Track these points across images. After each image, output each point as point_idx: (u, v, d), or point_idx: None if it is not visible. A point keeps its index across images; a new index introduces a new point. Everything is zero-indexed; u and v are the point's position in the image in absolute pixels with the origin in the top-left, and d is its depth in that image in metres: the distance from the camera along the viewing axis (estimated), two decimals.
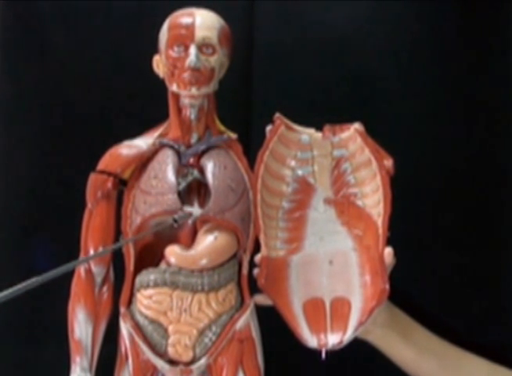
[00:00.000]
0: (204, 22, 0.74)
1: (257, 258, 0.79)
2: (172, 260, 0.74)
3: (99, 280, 0.77)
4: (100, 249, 0.76)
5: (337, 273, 0.78)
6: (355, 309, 0.75)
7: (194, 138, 0.77)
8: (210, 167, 0.76)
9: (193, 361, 0.74)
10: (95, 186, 0.76)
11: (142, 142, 0.78)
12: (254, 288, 0.78)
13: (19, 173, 1.04)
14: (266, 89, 1.02)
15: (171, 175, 0.75)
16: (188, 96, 0.75)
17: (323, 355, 0.74)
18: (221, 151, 0.78)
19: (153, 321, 0.73)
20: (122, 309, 0.75)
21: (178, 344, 0.73)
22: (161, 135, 0.78)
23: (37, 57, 1.03)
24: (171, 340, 0.73)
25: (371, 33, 1.01)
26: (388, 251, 0.76)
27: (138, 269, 0.76)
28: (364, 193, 0.79)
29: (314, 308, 0.77)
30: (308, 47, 1.01)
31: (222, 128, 0.79)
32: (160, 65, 0.76)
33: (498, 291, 1.01)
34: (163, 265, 0.75)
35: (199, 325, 0.73)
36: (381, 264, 0.75)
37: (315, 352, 0.74)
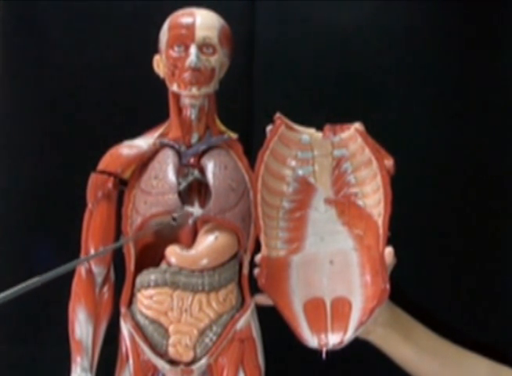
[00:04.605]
0: (205, 22, 0.74)
1: (258, 258, 0.79)
2: (173, 260, 0.74)
3: (99, 280, 0.77)
4: (101, 249, 0.76)
5: (337, 273, 0.78)
6: (355, 308, 0.75)
7: (194, 138, 0.77)
8: (210, 167, 0.76)
9: (194, 361, 0.74)
10: (96, 186, 0.76)
11: (143, 142, 0.78)
12: (255, 288, 0.78)
13: (19, 173, 1.04)
14: (267, 89, 1.02)
15: (171, 175, 0.75)
16: (188, 96, 0.75)
17: (324, 355, 0.74)
18: (222, 151, 0.78)
19: (153, 321, 0.73)
20: (123, 309, 0.75)
21: (179, 344, 0.73)
22: (162, 135, 0.78)
23: (37, 57, 1.03)
24: (171, 340, 0.73)
25: (372, 33, 1.01)
26: (389, 251, 0.76)
27: (138, 269, 0.76)
28: (364, 192, 0.79)
29: (314, 308, 0.77)
30: (309, 47, 1.01)
31: (223, 127, 0.79)
32: (160, 65, 0.76)
33: (498, 290, 1.01)
34: (163, 266, 0.75)
35: (199, 325, 0.73)
36: (382, 264, 0.76)
37: (316, 352, 0.74)
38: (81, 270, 0.77)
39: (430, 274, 0.99)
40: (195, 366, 0.73)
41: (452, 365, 0.89)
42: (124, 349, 0.75)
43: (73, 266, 0.64)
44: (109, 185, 0.76)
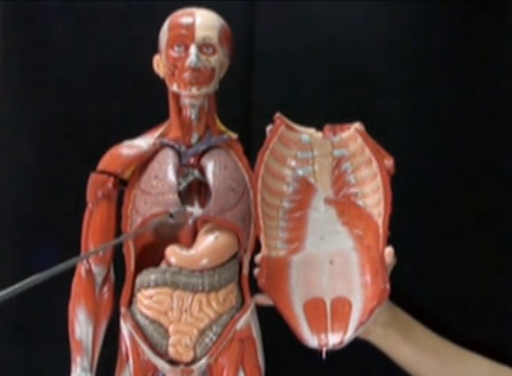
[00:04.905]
0: (205, 22, 0.74)
1: (258, 258, 0.79)
2: (173, 260, 0.74)
3: (99, 280, 0.77)
4: (101, 246, 0.76)
5: (337, 273, 0.78)
6: (355, 308, 0.75)
7: (194, 138, 0.77)
8: (210, 167, 0.76)
9: (194, 361, 0.73)
10: (96, 186, 0.76)
11: (143, 142, 0.78)
12: (255, 288, 0.78)
13: (19, 173, 1.04)
14: (267, 89, 1.02)
15: (171, 175, 0.75)
16: (188, 96, 0.75)
17: (324, 355, 0.74)
18: (222, 151, 0.78)
19: (153, 321, 0.73)
20: (123, 309, 0.75)
21: (179, 344, 0.73)
22: (162, 135, 0.78)
23: (37, 56, 1.03)
24: (171, 340, 0.73)
25: (371, 33, 1.01)
26: (389, 251, 0.76)
27: (138, 269, 0.76)
28: (364, 192, 0.79)
29: (314, 308, 0.77)
30: (309, 47, 1.01)
31: (223, 127, 0.79)
32: (160, 65, 0.76)
33: (498, 290, 1.01)
34: (163, 266, 0.75)
35: (199, 325, 0.73)
36: (382, 264, 0.76)
37: (316, 352, 0.74)
38: (81, 270, 0.77)
39: (431, 274, 0.99)
40: (195, 366, 0.73)
41: (452, 365, 0.89)
42: (124, 349, 0.75)
43: (72, 264, 0.63)
44: (109, 185, 0.76)
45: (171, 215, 0.72)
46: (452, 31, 1.01)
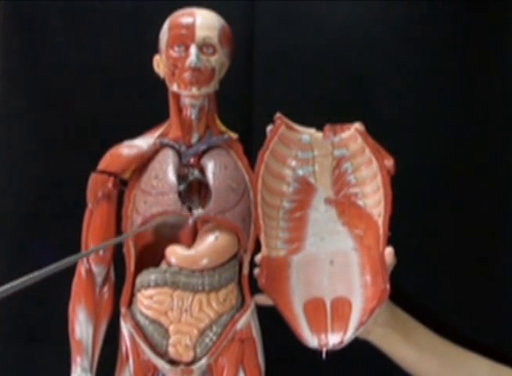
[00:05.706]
0: (205, 22, 0.74)
1: (258, 258, 0.79)
2: (173, 260, 0.74)
3: (99, 280, 0.77)
4: (102, 245, 0.76)
5: (337, 273, 0.78)
6: (355, 308, 0.75)
7: (195, 138, 0.77)
8: (210, 167, 0.76)
9: (194, 361, 0.74)
10: (96, 186, 0.76)
11: (143, 142, 0.78)
12: (255, 288, 0.78)
13: (19, 173, 1.04)
14: (267, 89, 1.02)
15: (171, 175, 0.75)
16: (188, 96, 0.75)
17: (324, 355, 0.74)
18: (222, 151, 0.78)
19: (153, 321, 0.73)
20: (123, 309, 0.75)
21: (179, 344, 0.73)
22: (162, 135, 0.78)
23: (37, 56, 1.03)
24: (171, 340, 0.73)
25: (372, 32, 1.01)
26: (389, 251, 0.76)
27: (138, 269, 0.76)
28: (365, 192, 0.79)
29: (314, 308, 0.77)
30: (309, 47, 1.01)
31: (223, 127, 0.79)
32: (160, 65, 0.76)
33: (498, 290, 1.01)
34: (163, 266, 0.75)
35: (199, 325, 0.73)
36: (382, 264, 0.76)
37: (316, 352, 0.74)
38: (81, 270, 0.77)
39: (430, 274, 0.99)
40: (195, 366, 0.73)
41: (452, 365, 0.89)
42: (124, 349, 0.75)
43: (70, 263, 0.63)
44: (109, 185, 0.76)
45: (190, 208, 0.73)
46: (453, 32, 1.01)
